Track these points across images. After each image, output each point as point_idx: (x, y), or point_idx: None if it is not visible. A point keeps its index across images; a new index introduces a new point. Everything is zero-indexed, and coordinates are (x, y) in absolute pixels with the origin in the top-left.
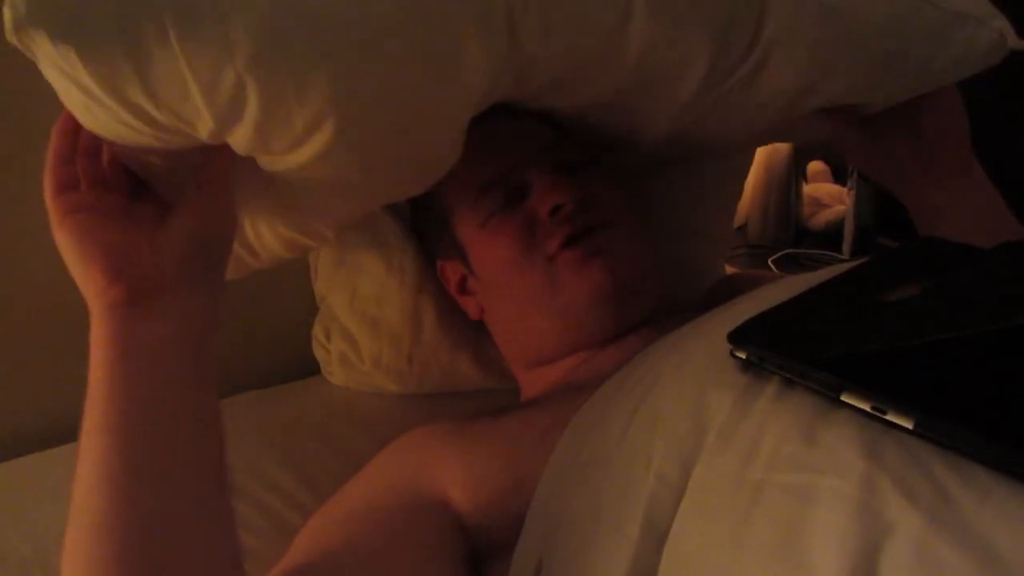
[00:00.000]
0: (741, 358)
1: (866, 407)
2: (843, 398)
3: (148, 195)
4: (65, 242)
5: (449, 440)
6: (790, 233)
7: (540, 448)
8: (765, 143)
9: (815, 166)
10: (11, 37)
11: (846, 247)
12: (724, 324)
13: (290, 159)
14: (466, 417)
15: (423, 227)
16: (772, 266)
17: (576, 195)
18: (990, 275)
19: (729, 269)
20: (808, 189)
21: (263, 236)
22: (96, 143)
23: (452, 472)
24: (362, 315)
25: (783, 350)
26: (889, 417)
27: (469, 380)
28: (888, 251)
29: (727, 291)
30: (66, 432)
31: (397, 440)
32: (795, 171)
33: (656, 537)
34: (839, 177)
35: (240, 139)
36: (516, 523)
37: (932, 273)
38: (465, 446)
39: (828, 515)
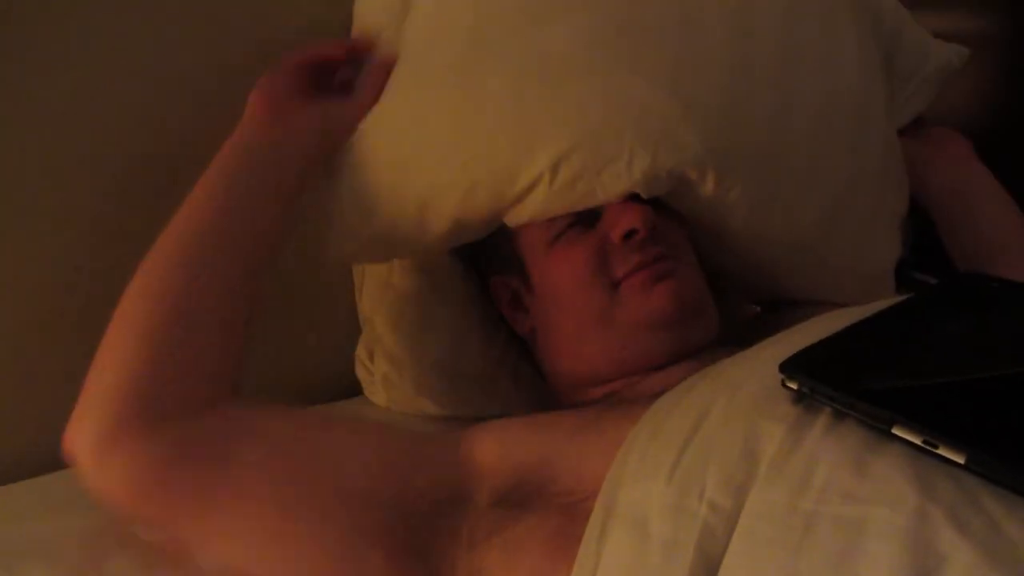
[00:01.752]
0: (792, 388)
1: (917, 441)
2: (894, 431)
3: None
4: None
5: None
6: None
7: (570, 442)
8: None
9: None
10: None
11: None
12: (775, 355)
13: None
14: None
15: (483, 239)
16: None
17: (648, 222)
18: None
19: None
20: None
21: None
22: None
23: (486, 434)
24: (406, 339)
25: (835, 382)
26: (940, 451)
27: (507, 402)
28: (930, 286)
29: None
30: None
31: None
32: None
33: (708, 567)
34: None
35: None
36: (538, 494)
37: (979, 309)
38: (501, 422)
39: (880, 547)
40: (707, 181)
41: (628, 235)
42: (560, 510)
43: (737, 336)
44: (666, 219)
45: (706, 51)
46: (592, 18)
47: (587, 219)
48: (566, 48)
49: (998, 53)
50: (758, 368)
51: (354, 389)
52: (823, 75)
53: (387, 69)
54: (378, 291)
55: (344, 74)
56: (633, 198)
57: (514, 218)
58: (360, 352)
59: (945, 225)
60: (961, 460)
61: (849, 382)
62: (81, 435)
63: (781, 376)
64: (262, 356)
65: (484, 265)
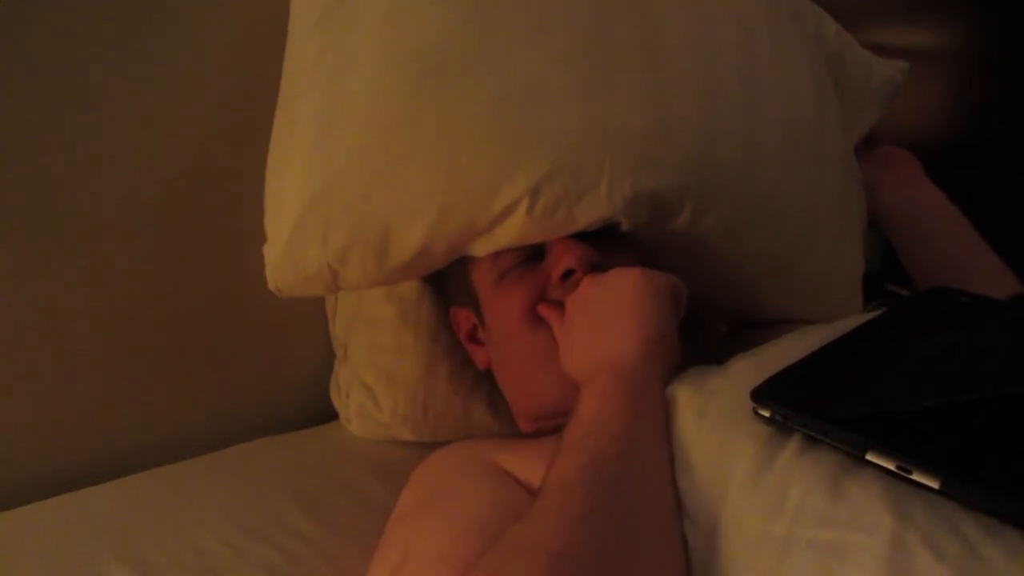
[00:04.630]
0: (765, 416)
1: (891, 466)
2: (868, 457)
3: None
4: None
5: (501, 444)
6: None
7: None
8: None
9: None
10: None
11: None
12: (743, 374)
13: None
14: (499, 436)
15: (442, 270)
16: None
17: (588, 260)
18: (1009, 333)
19: None
20: None
21: None
22: None
23: (512, 463)
24: (379, 367)
25: (807, 409)
26: (914, 477)
27: (484, 427)
28: (900, 301)
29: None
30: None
31: (441, 449)
32: None
33: None
34: None
35: None
36: None
37: (950, 327)
38: (518, 453)
39: (857, 572)
40: (684, 208)
41: (567, 274)
42: None
43: (707, 357)
44: (615, 251)
45: (672, 77)
46: (561, 41)
47: (532, 257)
48: (543, 70)
49: (946, 69)
50: (727, 387)
51: (331, 413)
52: (782, 98)
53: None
54: (350, 319)
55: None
56: (579, 236)
57: (482, 247)
58: (334, 379)
59: (899, 243)
60: (935, 485)
61: (821, 409)
62: None
63: (753, 404)
64: (240, 380)
65: (446, 295)
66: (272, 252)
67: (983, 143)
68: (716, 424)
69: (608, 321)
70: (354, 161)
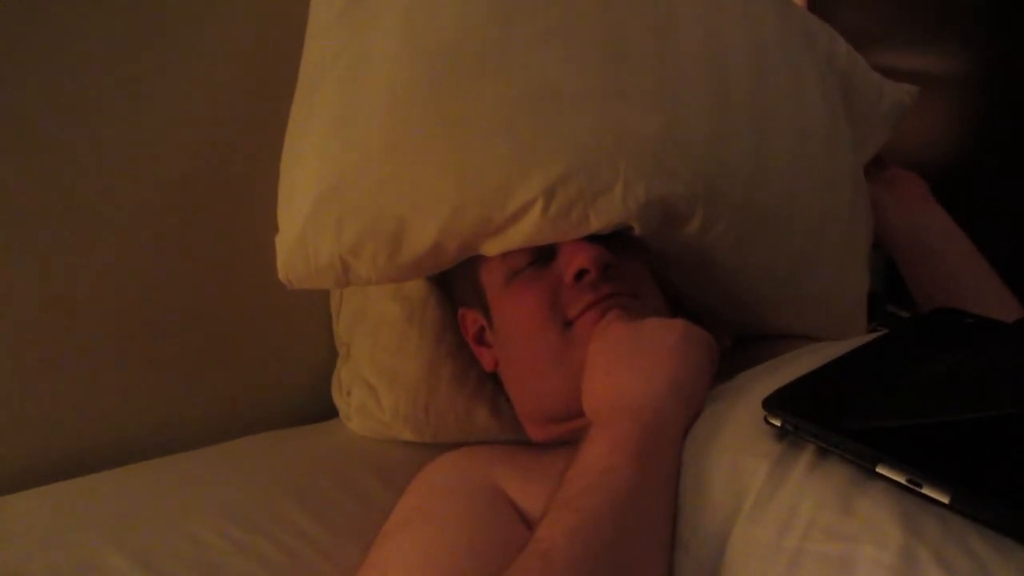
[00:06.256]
0: (775, 425)
1: (901, 480)
2: (878, 470)
3: None
4: None
5: (504, 458)
6: None
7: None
8: None
9: None
10: None
11: None
12: (757, 388)
13: None
14: (510, 445)
15: (451, 270)
16: None
17: (601, 261)
18: (1017, 353)
19: None
20: None
21: None
22: None
23: (511, 483)
24: (381, 366)
25: (818, 419)
26: (925, 491)
27: (485, 431)
28: (907, 321)
29: (744, 357)
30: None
31: (441, 457)
32: None
33: None
34: None
35: None
36: None
37: (957, 346)
38: (520, 471)
39: None
40: (696, 215)
41: (580, 275)
42: None
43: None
44: (625, 257)
45: (686, 85)
46: (578, 45)
47: (543, 257)
48: (560, 72)
49: (954, 93)
50: (740, 401)
51: (331, 410)
52: (792, 110)
53: None
54: (354, 317)
55: None
56: (590, 238)
57: (495, 246)
58: (336, 377)
59: (904, 264)
60: (945, 500)
61: (832, 420)
62: None
63: (764, 412)
64: (242, 375)
65: (453, 296)
66: (284, 243)
67: (989, 166)
68: (728, 445)
69: (644, 359)
70: (370, 155)
